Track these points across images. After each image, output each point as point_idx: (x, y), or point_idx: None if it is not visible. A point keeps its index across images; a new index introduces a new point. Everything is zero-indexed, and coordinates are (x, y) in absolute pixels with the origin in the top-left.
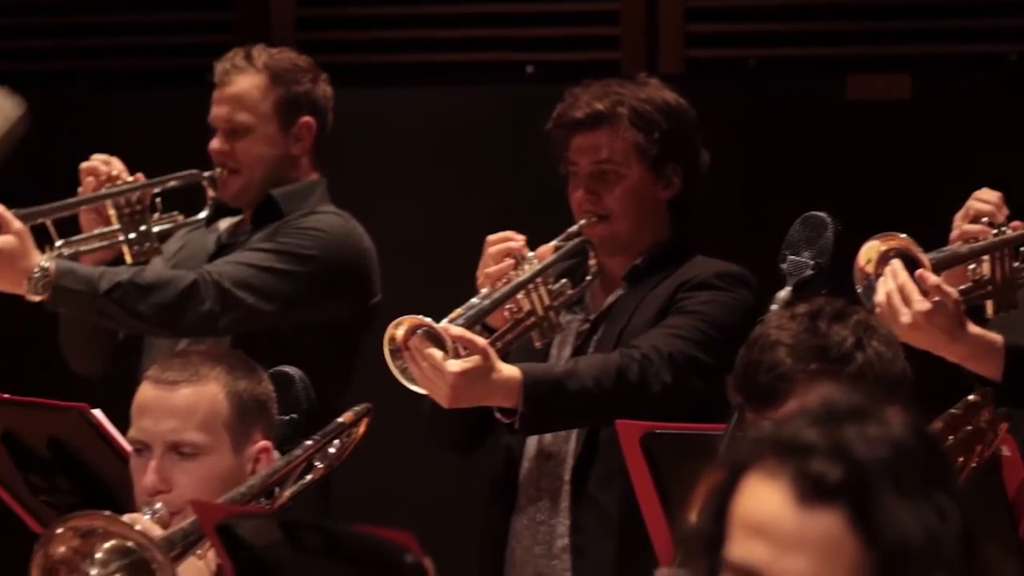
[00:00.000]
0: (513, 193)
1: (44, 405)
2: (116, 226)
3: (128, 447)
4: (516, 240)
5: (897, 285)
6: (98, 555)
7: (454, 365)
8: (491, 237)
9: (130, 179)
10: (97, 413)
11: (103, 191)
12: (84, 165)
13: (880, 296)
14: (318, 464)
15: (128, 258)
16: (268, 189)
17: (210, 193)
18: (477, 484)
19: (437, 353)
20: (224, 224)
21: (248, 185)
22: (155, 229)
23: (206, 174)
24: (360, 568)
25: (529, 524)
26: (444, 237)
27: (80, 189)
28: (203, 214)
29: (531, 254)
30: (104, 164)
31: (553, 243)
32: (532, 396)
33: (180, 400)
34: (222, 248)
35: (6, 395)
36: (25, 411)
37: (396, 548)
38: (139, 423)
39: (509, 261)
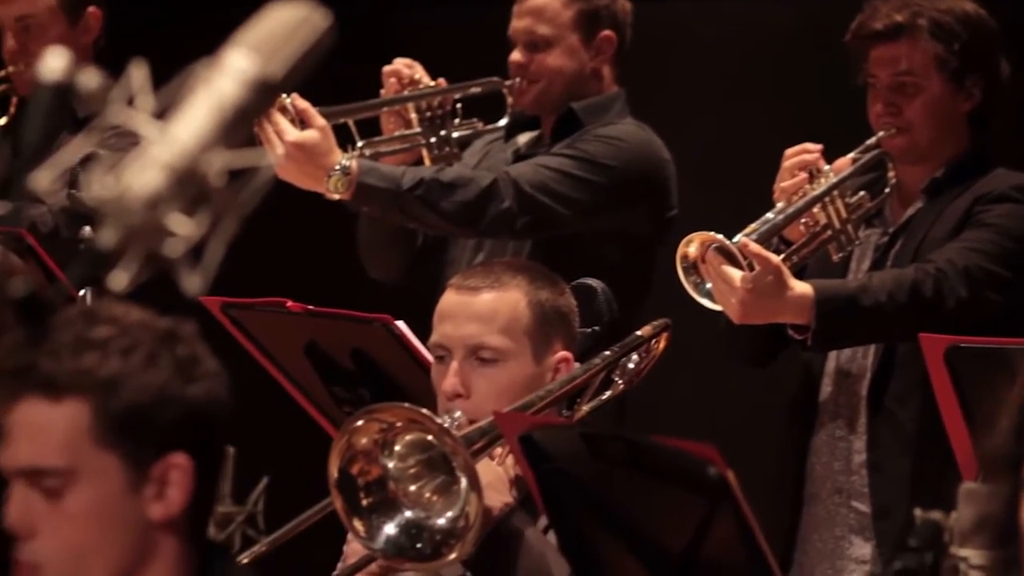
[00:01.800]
0: (812, 106)
1: (347, 316)
2: (417, 129)
3: (430, 358)
4: (812, 152)
5: None
6: (397, 448)
7: (745, 282)
8: (788, 151)
9: (432, 83)
10: (400, 324)
11: (405, 94)
12: (387, 68)
13: None
14: (617, 380)
15: (427, 162)
16: (568, 102)
17: (509, 102)
18: (774, 397)
19: (731, 270)
20: (523, 138)
21: (546, 94)
22: (455, 135)
23: (507, 82)
24: (663, 480)
25: (828, 440)
26: (741, 151)
27: (382, 91)
28: (503, 122)
29: (828, 167)
30: (407, 67)
31: (851, 156)
32: (824, 313)
33: (482, 305)
34: (520, 159)
35: (310, 307)
36: (329, 323)
37: (699, 461)
38: (441, 328)
39: (804, 175)
